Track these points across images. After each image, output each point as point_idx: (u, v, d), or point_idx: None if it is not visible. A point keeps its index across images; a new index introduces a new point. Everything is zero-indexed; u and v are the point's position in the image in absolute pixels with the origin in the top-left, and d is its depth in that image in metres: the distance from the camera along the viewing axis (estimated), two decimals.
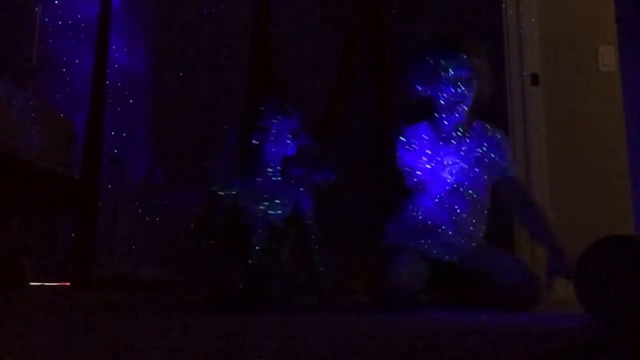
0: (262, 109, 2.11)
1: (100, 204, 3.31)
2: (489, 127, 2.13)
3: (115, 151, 3.50)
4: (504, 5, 3.17)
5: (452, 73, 1.98)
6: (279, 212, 2.05)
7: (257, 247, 2.02)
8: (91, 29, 3.43)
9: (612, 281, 1.38)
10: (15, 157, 2.61)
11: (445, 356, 0.98)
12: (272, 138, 2.04)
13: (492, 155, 2.06)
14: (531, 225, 2.02)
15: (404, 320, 1.62)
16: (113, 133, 3.47)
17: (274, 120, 2.05)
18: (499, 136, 2.12)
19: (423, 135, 2.12)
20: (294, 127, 2.09)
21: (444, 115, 2.07)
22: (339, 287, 2.39)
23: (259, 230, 2.03)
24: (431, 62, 2.01)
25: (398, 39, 3.62)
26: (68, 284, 3.15)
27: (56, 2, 3.62)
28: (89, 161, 3.26)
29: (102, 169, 3.32)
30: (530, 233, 2.12)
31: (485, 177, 2.06)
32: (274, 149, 2.05)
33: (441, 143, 2.10)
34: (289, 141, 2.08)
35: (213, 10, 3.76)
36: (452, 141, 2.09)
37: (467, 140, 2.09)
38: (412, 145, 2.10)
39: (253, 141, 2.05)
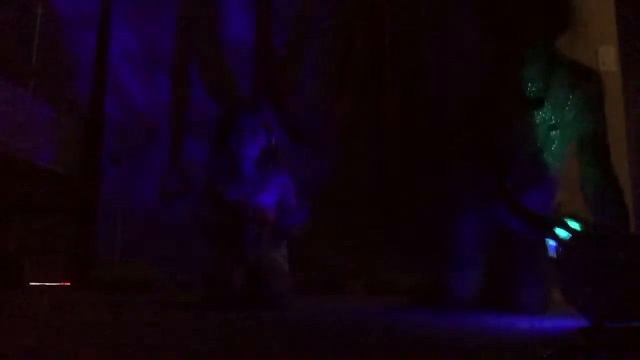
0: (235, 110, 2.14)
1: (100, 204, 3.31)
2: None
3: (115, 151, 3.49)
4: None
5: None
6: (267, 203, 2.07)
7: (251, 241, 2.03)
8: (91, 28, 3.43)
9: (592, 273, 1.40)
10: (15, 157, 2.61)
11: (446, 356, 0.98)
12: (248, 138, 2.07)
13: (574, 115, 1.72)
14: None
15: (405, 320, 1.62)
16: (113, 133, 3.46)
17: (247, 120, 2.08)
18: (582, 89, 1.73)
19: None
20: (267, 121, 2.12)
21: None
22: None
23: (251, 224, 2.04)
24: None
25: (399, 39, 3.62)
26: (68, 284, 3.15)
27: (56, 1, 3.62)
28: (89, 161, 3.26)
29: (102, 168, 3.32)
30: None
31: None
32: (250, 148, 2.09)
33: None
34: (263, 136, 2.11)
35: (214, 11, 3.75)
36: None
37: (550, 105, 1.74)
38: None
39: (230, 143, 2.08)
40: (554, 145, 1.77)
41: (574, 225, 1.54)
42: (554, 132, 1.75)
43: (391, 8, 3.64)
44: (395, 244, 3.43)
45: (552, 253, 1.60)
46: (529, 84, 1.76)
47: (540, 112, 1.75)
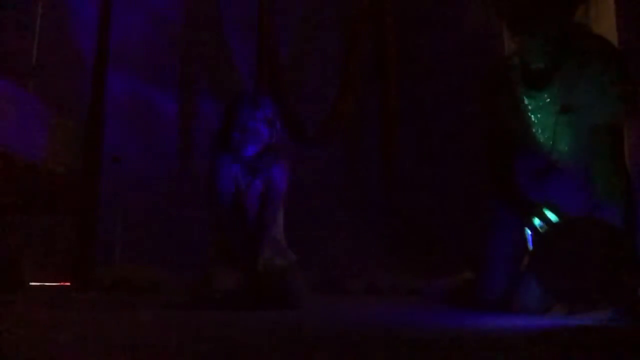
0: (237, 106, 2.14)
1: (100, 204, 3.31)
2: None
3: (116, 151, 3.49)
4: None
5: None
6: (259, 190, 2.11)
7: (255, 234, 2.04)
8: (91, 28, 3.43)
9: (565, 265, 1.42)
10: (15, 157, 2.61)
11: (445, 356, 0.98)
12: (251, 134, 2.08)
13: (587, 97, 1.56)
14: None
15: (405, 320, 1.62)
16: (113, 132, 3.46)
17: (251, 114, 2.09)
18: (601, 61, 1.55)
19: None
20: (269, 117, 2.13)
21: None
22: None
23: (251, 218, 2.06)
24: None
25: (402, 39, 3.62)
26: (68, 284, 3.15)
27: (56, 1, 3.62)
28: (89, 161, 3.26)
29: (102, 168, 3.32)
30: None
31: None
32: (253, 143, 2.10)
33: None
34: (266, 130, 2.12)
35: (217, 11, 3.75)
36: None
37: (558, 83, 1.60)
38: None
39: (233, 139, 2.09)
40: (567, 132, 1.64)
41: (551, 215, 1.55)
42: (565, 116, 1.62)
43: (394, 6, 3.64)
44: (395, 244, 3.43)
45: (529, 242, 1.64)
46: (537, 62, 1.65)
47: (549, 92, 1.63)
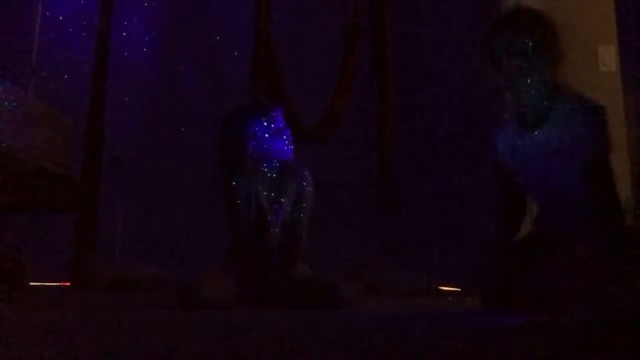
0: (246, 113, 2.08)
1: (100, 204, 3.32)
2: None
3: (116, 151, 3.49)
4: (504, 5, 3.17)
5: (504, 46, 1.76)
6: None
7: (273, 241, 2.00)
8: (92, 28, 3.43)
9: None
10: (15, 157, 2.61)
11: (445, 356, 0.98)
12: (268, 148, 2.03)
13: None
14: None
15: (404, 321, 1.62)
16: (114, 133, 3.46)
17: (260, 124, 2.03)
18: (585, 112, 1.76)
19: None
20: (281, 127, 2.07)
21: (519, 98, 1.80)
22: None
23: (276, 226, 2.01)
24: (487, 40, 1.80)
25: (399, 38, 3.62)
26: (68, 284, 3.15)
27: (56, 1, 3.62)
28: (89, 161, 3.26)
29: (102, 169, 3.33)
30: None
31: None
32: (271, 158, 2.04)
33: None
34: (281, 143, 2.06)
35: (215, 11, 3.76)
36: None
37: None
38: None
39: (245, 147, 2.02)
40: (559, 170, 1.78)
41: None
42: (557, 156, 1.76)
43: (393, 6, 3.64)
44: (395, 244, 3.44)
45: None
46: (530, 104, 1.80)
47: (542, 133, 1.79)
